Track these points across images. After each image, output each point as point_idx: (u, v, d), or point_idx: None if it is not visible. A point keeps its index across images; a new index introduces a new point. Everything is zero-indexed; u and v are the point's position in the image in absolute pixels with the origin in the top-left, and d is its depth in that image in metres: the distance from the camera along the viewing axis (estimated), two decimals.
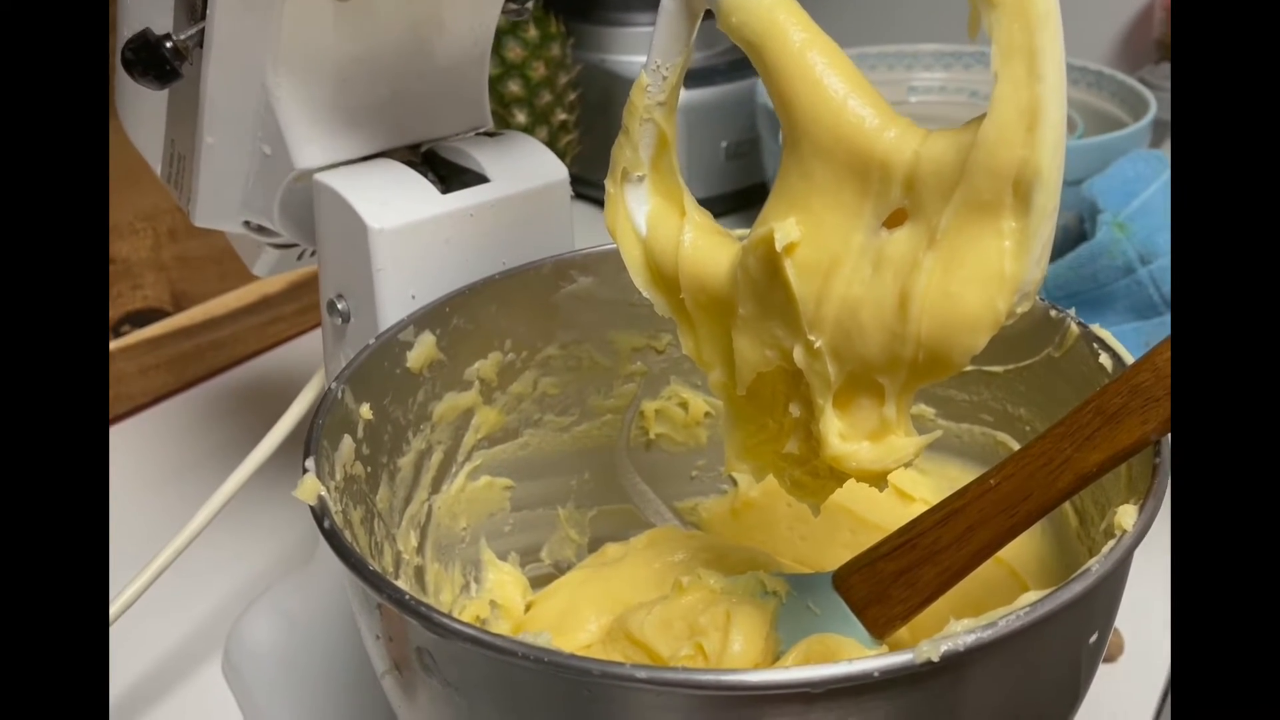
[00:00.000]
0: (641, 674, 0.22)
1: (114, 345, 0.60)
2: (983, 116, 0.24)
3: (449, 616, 0.24)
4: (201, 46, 0.36)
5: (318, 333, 0.69)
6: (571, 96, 0.80)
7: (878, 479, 0.28)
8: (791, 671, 0.22)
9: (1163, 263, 0.61)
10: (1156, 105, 0.72)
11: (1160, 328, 0.62)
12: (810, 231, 0.27)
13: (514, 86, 0.76)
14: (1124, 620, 0.32)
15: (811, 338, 0.27)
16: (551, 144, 0.79)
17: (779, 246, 0.27)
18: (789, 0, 0.27)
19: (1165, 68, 0.83)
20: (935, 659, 0.22)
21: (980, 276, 0.25)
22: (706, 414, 0.42)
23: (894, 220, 0.26)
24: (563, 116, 0.79)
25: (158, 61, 0.35)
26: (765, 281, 0.28)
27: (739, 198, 0.83)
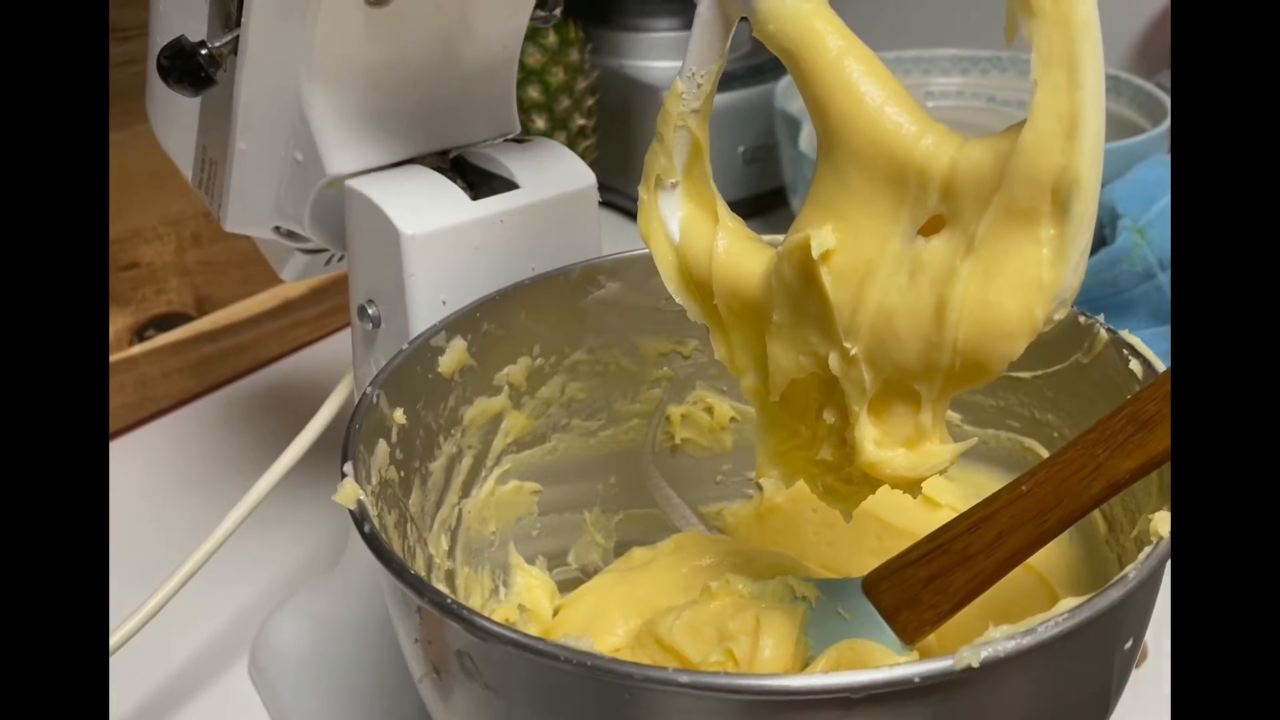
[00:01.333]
0: (684, 678, 0.23)
1: (137, 349, 0.61)
2: (1021, 124, 0.25)
3: (490, 620, 0.24)
4: (235, 54, 0.36)
5: (340, 336, 0.70)
6: (589, 102, 0.80)
7: (912, 486, 0.28)
8: (832, 677, 0.23)
9: None
10: None
11: None
12: (846, 238, 0.27)
13: (533, 92, 0.77)
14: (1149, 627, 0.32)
15: (847, 345, 0.27)
16: (570, 148, 0.79)
17: (815, 253, 0.27)
18: (825, 8, 0.27)
19: None
20: (975, 665, 0.23)
21: (1018, 284, 0.25)
22: (732, 419, 0.42)
23: (930, 228, 0.26)
24: (581, 122, 0.79)
25: (192, 69, 0.36)
26: (800, 288, 0.28)
27: (756, 202, 0.83)
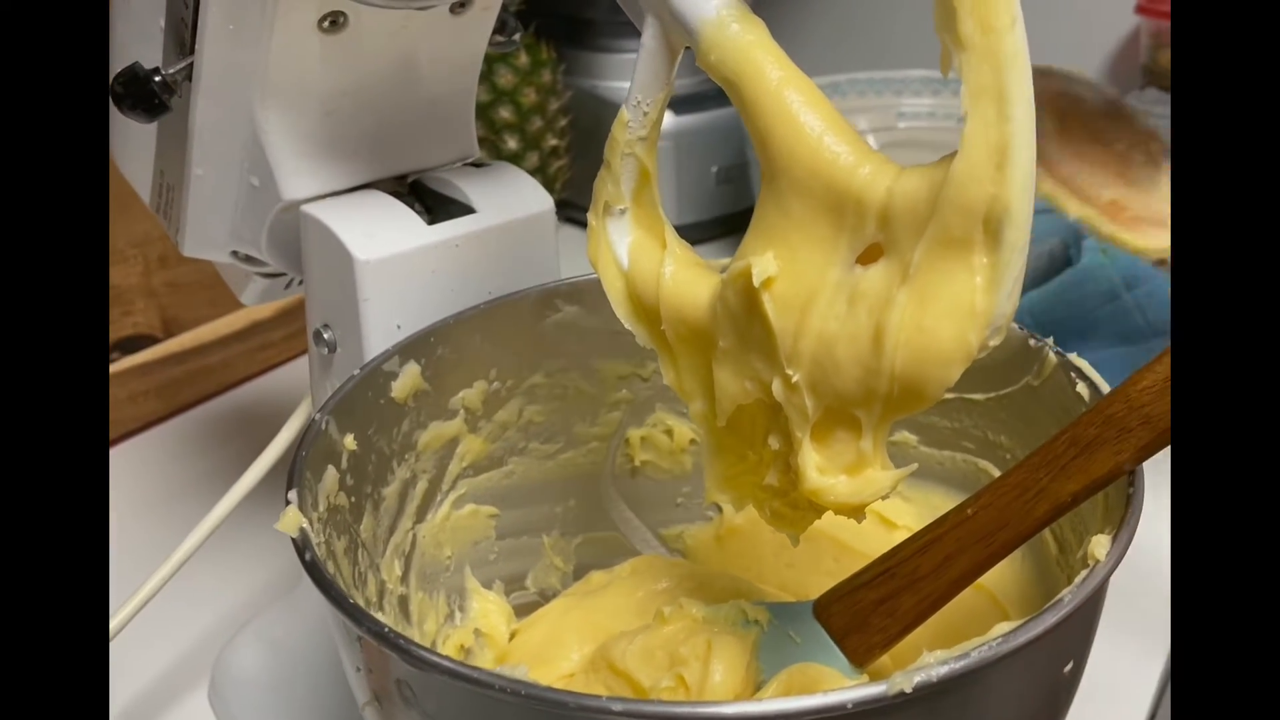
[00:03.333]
0: (617, 706, 0.23)
1: None
2: (954, 154, 0.25)
3: (428, 650, 0.24)
4: (190, 80, 0.37)
5: (307, 358, 0.70)
6: (562, 122, 0.81)
7: (855, 512, 0.28)
8: (766, 704, 0.23)
9: (1147, 288, 0.62)
10: None
11: (1145, 353, 0.62)
12: (787, 266, 0.27)
13: (505, 113, 0.77)
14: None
15: (790, 372, 0.27)
16: (542, 169, 0.79)
17: (756, 281, 0.27)
18: (766, 39, 0.28)
19: (1151, 93, 0.84)
20: (908, 690, 0.23)
21: (953, 311, 0.25)
22: (691, 441, 0.43)
23: (869, 256, 0.27)
24: (553, 142, 0.80)
25: (146, 95, 0.36)
26: (744, 315, 0.28)
27: (730, 222, 0.83)
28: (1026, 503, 0.29)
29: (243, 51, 0.36)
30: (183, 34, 0.36)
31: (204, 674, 0.46)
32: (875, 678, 0.33)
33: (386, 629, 0.25)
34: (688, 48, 0.29)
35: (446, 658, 0.24)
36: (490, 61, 0.74)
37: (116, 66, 0.37)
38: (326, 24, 0.35)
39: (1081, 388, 0.33)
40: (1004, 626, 0.24)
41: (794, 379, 0.27)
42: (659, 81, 0.30)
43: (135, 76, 0.36)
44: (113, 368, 0.61)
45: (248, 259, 0.42)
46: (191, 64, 0.36)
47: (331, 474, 0.32)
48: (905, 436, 0.40)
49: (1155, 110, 0.81)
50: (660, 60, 0.30)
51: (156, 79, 0.36)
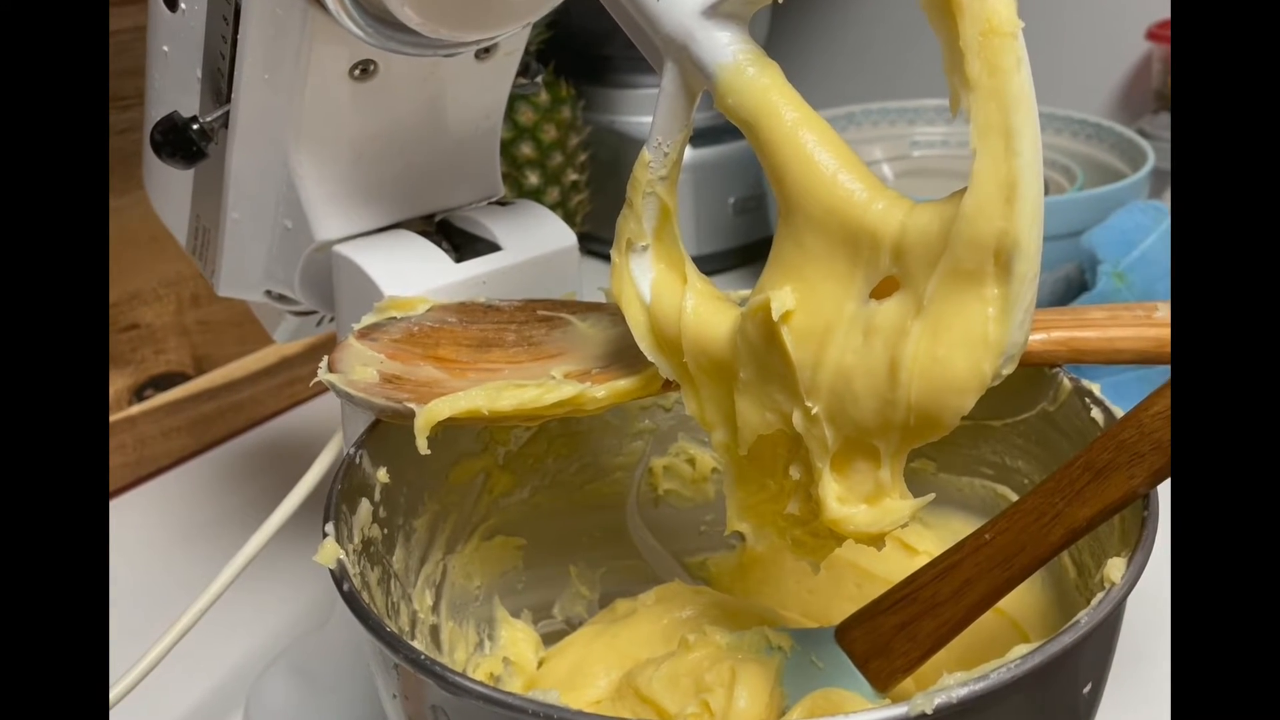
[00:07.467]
0: None
1: (136, 409, 0.62)
2: (964, 189, 0.26)
3: (463, 676, 0.25)
4: (226, 128, 0.38)
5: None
6: (582, 157, 0.82)
7: (875, 540, 0.29)
8: None
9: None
10: (1155, 156, 0.74)
11: (1163, 376, 0.62)
12: (805, 300, 0.28)
13: (526, 149, 0.79)
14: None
15: (809, 404, 0.28)
16: (563, 204, 0.81)
17: (775, 315, 0.28)
18: (781, 82, 0.29)
19: (1163, 118, 0.85)
20: (929, 711, 0.23)
21: (966, 341, 0.26)
22: (713, 470, 0.43)
23: (884, 289, 0.27)
24: (574, 177, 0.81)
25: (185, 143, 0.37)
26: (764, 348, 0.29)
27: (747, 252, 0.84)
28: (1043, 527, 0.30)
29: (277, 99, 0.37)
30: (219, 84, 0.38)
31: (238, 705, 0.47)
32: (896, 702, 0.33)
33: (423, 656, 0.25)
34: (706, 91, 0.30)
35: (481, 683, 0.25)
36: (512, 99, 0.75)
37: (155, 115, 0.39)
38: (357, 72, 0.36)
39: (1095, 413, 0.34)
40: (1022, 648, 0.25)
41: (813, 410, 0.28)
42: (679, 123, 0.31)
43: (174, 125, 0.37)
44: (145, 405, 0.62)
45: (281, 298, 0.43)
46: (228, 112, 0.38)
47: (365, 507, 0.33)
48: (923, 463, 0.40)
49: (1166, 135, 0.82)
50: (679, 103, 0.31)
51: (194, 127, 0.37)
